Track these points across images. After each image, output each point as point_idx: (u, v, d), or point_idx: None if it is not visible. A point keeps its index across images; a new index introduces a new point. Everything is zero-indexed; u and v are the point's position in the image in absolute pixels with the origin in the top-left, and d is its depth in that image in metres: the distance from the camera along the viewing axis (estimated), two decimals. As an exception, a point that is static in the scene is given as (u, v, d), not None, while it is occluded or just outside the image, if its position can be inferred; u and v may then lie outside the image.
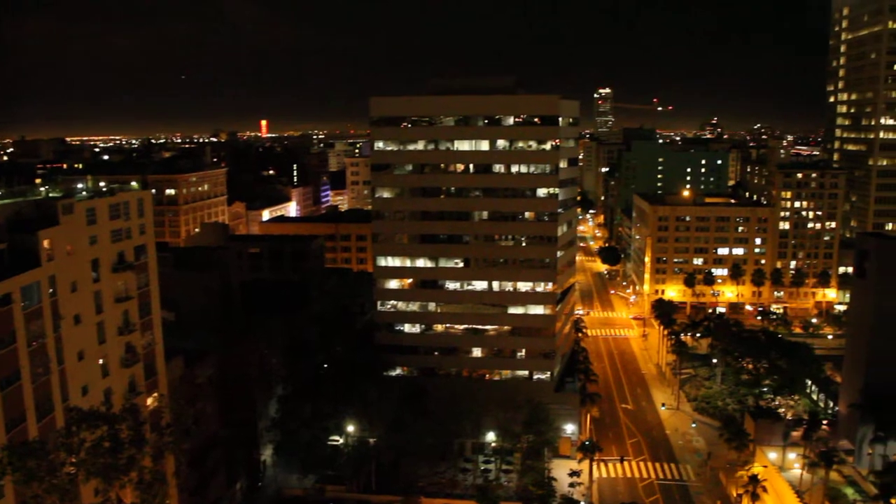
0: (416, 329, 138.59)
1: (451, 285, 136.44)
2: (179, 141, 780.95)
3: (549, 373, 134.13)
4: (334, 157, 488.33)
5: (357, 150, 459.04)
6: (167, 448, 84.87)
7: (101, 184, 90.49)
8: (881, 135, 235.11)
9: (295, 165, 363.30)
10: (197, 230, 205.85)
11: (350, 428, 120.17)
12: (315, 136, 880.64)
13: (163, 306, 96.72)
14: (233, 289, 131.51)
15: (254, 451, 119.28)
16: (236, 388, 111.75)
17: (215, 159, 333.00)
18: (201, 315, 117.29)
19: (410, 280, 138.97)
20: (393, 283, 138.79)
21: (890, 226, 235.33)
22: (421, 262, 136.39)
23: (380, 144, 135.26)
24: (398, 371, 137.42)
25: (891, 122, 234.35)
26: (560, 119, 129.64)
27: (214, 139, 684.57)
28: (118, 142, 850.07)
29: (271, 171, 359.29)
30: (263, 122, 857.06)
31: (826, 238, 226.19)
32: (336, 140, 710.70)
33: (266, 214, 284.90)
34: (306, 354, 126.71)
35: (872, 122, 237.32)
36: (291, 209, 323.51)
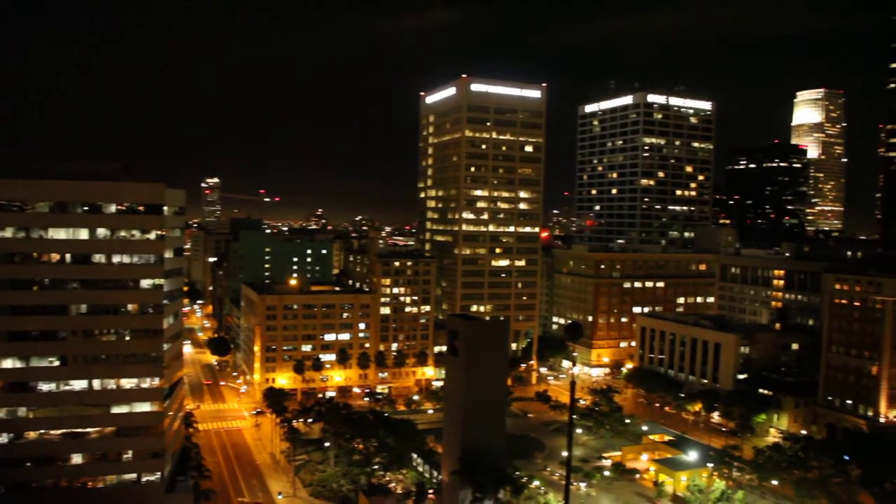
0: (4, 439, 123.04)
1: (46, 387, 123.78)
2: None
3: (158, 473, 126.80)
4: None
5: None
6: None
7: None
8: (463, 227, 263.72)
9: None
10: None
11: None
12: None
13: None
14: None
15: None
16: None
17: None
18: None
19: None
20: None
21: (475, 307, 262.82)
22: (9, 363, 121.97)
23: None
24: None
25: (471, 216, 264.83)
26: (165, 208, 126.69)
27: None
28: None
29: None
30: None
31: (422, 321, 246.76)
32: None
33: None
34: None
35: (456, 217, 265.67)
36: None
